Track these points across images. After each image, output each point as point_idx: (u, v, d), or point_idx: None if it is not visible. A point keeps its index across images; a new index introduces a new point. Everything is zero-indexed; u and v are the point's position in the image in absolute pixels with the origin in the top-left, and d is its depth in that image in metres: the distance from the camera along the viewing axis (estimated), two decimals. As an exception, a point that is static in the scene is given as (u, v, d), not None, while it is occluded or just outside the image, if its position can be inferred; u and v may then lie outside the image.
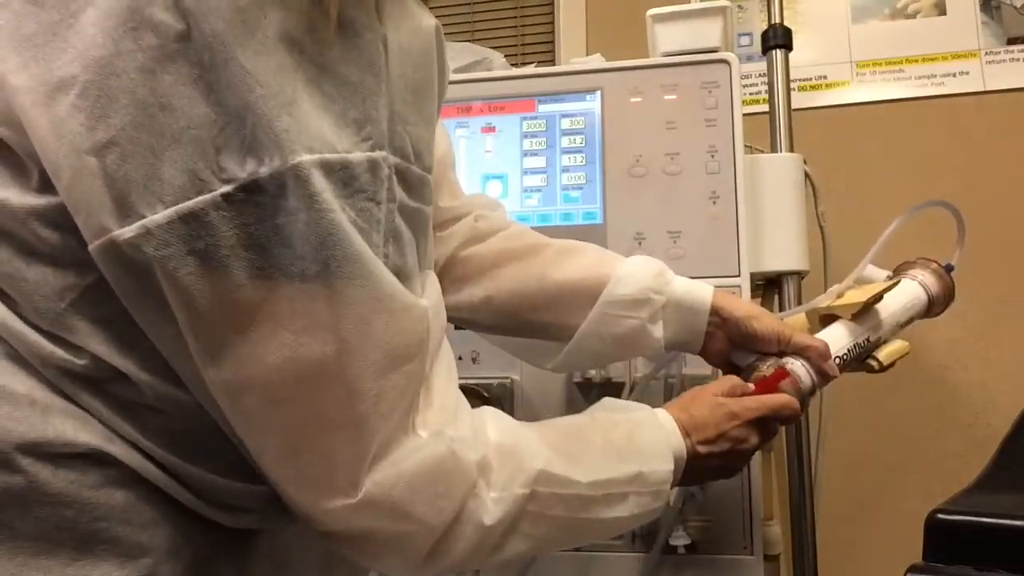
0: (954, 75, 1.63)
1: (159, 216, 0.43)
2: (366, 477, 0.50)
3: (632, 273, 0.80)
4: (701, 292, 0.80)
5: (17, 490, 0.45)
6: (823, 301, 0.84)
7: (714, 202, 1.04)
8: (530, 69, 1.16)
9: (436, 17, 0.56)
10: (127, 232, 0.43)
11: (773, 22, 1.22)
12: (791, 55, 1.22)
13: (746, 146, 1.07)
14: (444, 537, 0.54)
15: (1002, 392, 1.52)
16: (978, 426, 1.52)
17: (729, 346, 0.81)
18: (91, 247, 0.45)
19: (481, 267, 0.81)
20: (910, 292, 0.86)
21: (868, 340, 0.82)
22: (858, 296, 0.81)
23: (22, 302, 0.48)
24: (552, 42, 1.91)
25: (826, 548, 1.08)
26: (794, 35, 1.23)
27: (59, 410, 0.48)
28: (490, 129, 1.12)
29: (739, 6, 1.75)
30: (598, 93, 1.10)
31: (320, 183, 0.45)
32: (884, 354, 0.83)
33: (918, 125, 1.63)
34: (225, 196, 0.44)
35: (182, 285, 0.44)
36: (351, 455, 0.49)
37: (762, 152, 1.18)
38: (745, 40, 1.76)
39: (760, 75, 1.61)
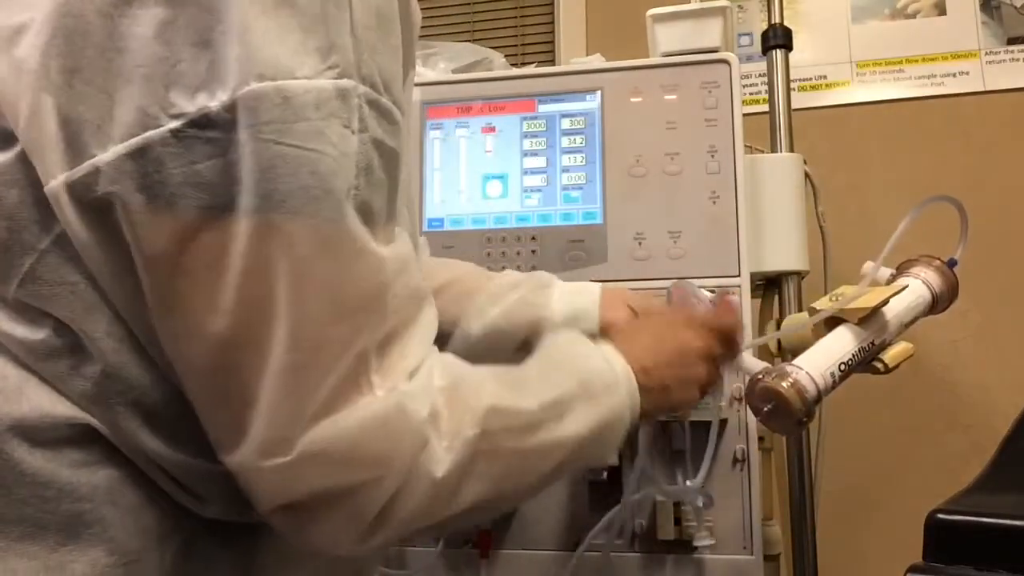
0: (954, 75, 1.63)
1: (108, 154, 0.43)
2: (303, 433, 0.46)
3: (510, 276, 0.83)
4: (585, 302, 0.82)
5: None
6: (832, 305, 0.83)
7: (714, 202, 1.04)
8: (530, 69, 1.16)
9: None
10: (78, 171, 0.43)
11: (773, 22, 1.22)
12: (791, 55, 1.22)
13: (746, 146, 1.07)
14: (393, 498, 0.49)
15: (1002, 392, 1.52)
16: (978, 426, 1.52)
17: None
18: (46, 188, 0.45)
19: None
20: (914, 291, 0.86)
21: (873, 343, 0.82)
22: (865, 301, 0.81)
23: None
24: (552, 42, 1.91)
25: (826, 548, 1.08)
26: (794, 35, 1.23)
27: (35, 385, 0.47)
28: (490, 129, 1.12)
29: (739, 6, 1.75)
30: (598, 93, 1.10)
31: (270, 112, 0.43)
32: (890, 356, 0.83)
33: (918, 125, 1.63)
34: (174, 132, 0.43)
35: (132, 223, 0.44)
36: (288, 408, 0.46)
37: (762, 152, 1.18)
38: (745, 40, 1.76)
39: (760, 75, 1.61)
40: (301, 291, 0.45)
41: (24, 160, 0.46)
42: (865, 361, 0.82)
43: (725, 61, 1.08)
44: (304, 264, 0.45)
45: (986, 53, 1.62)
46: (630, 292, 0.86)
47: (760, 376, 0.78)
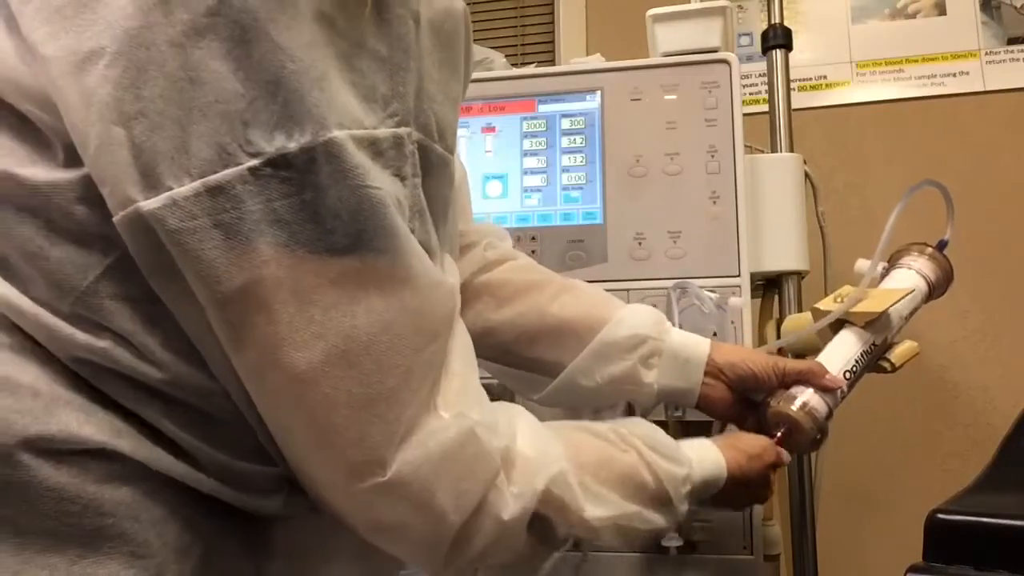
0: (954, 75, 1.63)
1: (185, 188, 0.43)
2: (396, 455, 0.49)
3: (630, 317, 0.80)
4: (697, 344, 0.80)
5: (19, 485, 0.45)
6: (835, 308, 0.83)
7: (714, 202, 1.04)
8: (530, 69, 1.16)
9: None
10: (153, 203, 0.43)
11: (773, 22, 1.22)
12: (791, 55, 1.22)
13: (746, 146, 1.07)
14: (465, 527, 0.53)
15: (1002, 392, 1.52)
16: (978, 426, 1.52)
17: (731, 395, 0.80)
18: (116, 218, 0.45)
19: (485, 296, 0.82)
20: (910, 284, 0.85)
21: (875, 345, 0.82)
22: (872, 305, 0.81)
23: (41, 282, 0.47)
24: (552, 42, 1.91)
25: (826, 548, 1.08)
26: (794, 35, 1.23)
27: (64, 402, 0.47)
28: (490, 129, 1.12)
29: (739, 6, 1.75)
30: (598, 93, 1.10)
31: (352, 158, 0.45)
32: (896, 355, 0.83)
33: (918, 125, 1.63)
34: (252, 170, 0.43)
35: (206, 260, 0.44)
36: (381, 433, 0.49)
37: (762, 152, 1.18)
38: (745, 40, 1.76)
39: (760, 75, 1.61)
40: (394, 322, 0.48)
41: (91, 179, 0.46)
42: (871, 364, 0.82)
43: (725, 61, 1.08)
44: (394, 297, 0.48)
45: (986, 53, 1.62)
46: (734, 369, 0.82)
47: (768, 402, 0.78)
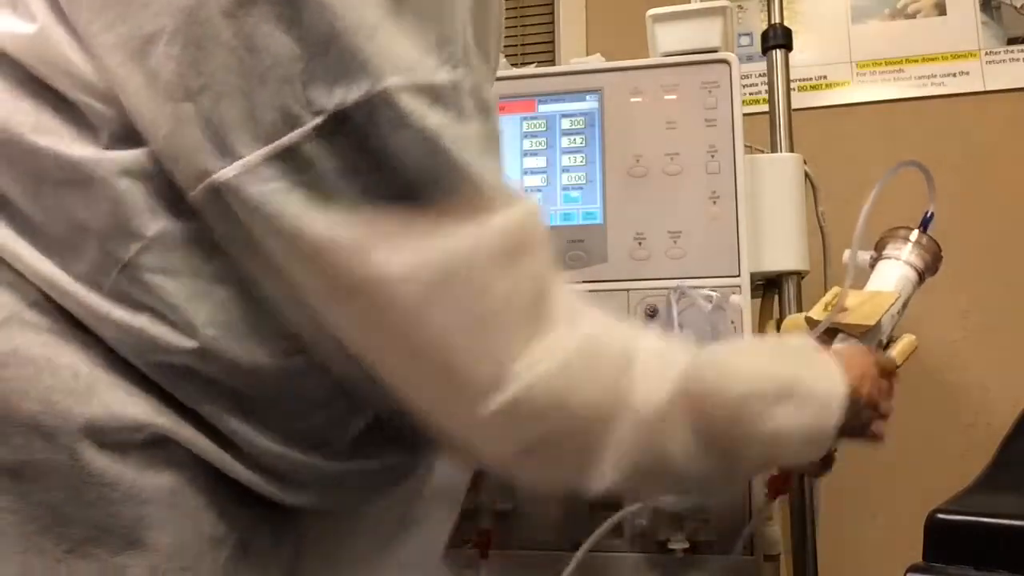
0: (954, 75, 1.63)
1: (258, 154, 0.44)
2: (519, 371, 0.49)
3: None
4: None
5: (64, 470, 0.45)
6: (828, 316, 0.83)
7: (714, 202, 1.04)
8: (530, 69, 1.16)
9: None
10: (229, 171, 0.44)
11: (773, 22, 1.22)
12: (791, 55, 1.22)
13: (746, 146, 1.07)
14: (605, 432, 0.52)
15: (1002, 392, 1.52)
16: (978, 426, 1.52)
17: None
18: (193, 193, 0.45)
19: None
20: (899, 281, 0.84)
21: (880, 344, 0.82)
22: (864, 316, 0.80)
23: (83, 257, 0.47)
24: (552, 42, 1.91)
25: (826, 548, 1.08)
26: (794, 35, 1.23)
27: (105, 384, 0.47)
28: (490, 129, 1.12)
29: (739, 6, 1.75)
30: (598, 93, 1.10)
31: (411, 103, 0.45)
32: (897, 352, 0.83)
33: (918, 125, 1.63)
34: (317, 128, 0.44)
35: (289, 221, 0.45)
36: (496, 351, 0.49)
37: (762, 152, 1.18)
38: (745, 40, 1.76)
39: (760, 75, 1.61)
40: (487, 244, 0.48)
41: (137, 152, 0.46)
42: None
43: (725, 61, 1.08)
44: (478, 223, 0.48)
45: (986, 53, 1.62)
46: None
47: None
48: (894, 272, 0.84)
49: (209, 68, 0.44)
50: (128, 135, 0.47)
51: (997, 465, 0.76)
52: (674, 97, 1.08)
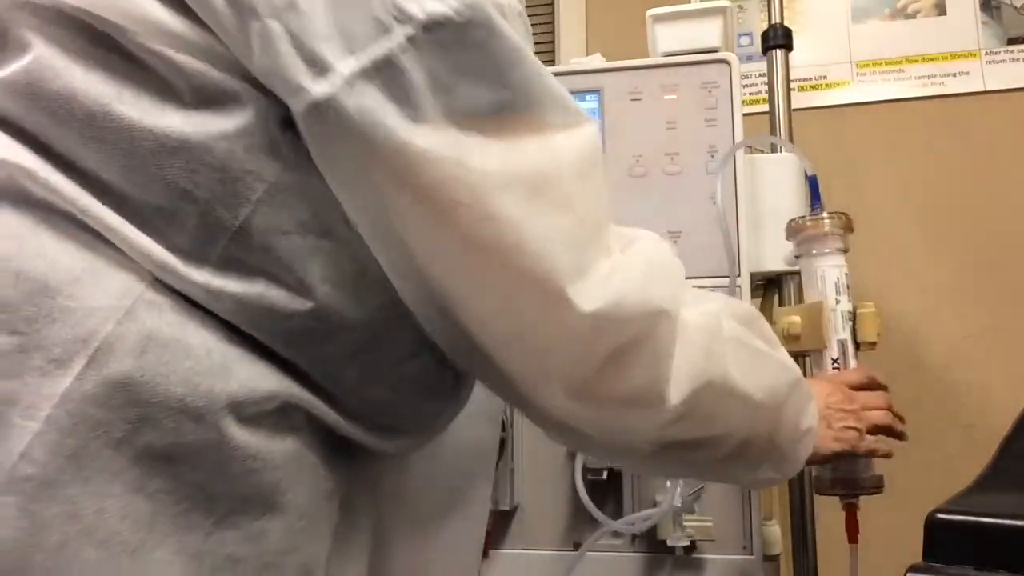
0: (954, 75, 1.63)
1: (350, 67, 0.44)
2: (606, 273, 0.51)
3: None
4: None
5: (212, 448, 0.45)
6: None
7: (714, 202, 1.04)
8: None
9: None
10: (322, 87, 0.44)
11: (773, 22, 1.22)
12: (791, 55, 1.22)
13: (746, 146, 1.07)
14: (675, 331, 0.55)
15: (1002, 392, 1.52)
16: (978, 426, 1.52)
17: None
18: (294, 112, 0.45)
19: None
20: (833, 270, 0.87)
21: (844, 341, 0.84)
22: (814, 341, 0.85)
23: (188, 230, 0.46)
24: (552, 42, 1.91)
25: (826, 548, 1.08)
26: (794, 35, 1.23)
27: (235, 358, 0.47)
28: (490, 129, 1.12)
29: (739, 6, 1.75)
30: (598, 93, 1.10)
31: (496, 14, 0.46)
32: (865, 332, 0.85)
33: (918, 125, 1.63)
34: (409, 38, 0.44)
35: (383, 134, 0.44)
36: (589, 257, 0.50)
37: (762, 152, 1.18)
38: (745, 40, 1.76)
39: (760, 75, 1.61)
40: (567, 156, 0.50)
41: (230, 112, 0.46)
42: (855, 354, 0.84)
43: (725, 61, 1.08)
44: (561, 134, 0.50)
45: (986, 53, 1.62)
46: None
47: None
48: (815, 271, 0.88)
49: None
50: (215, 94, 0.46)
51: (997, 465, 0.76)
52: (674, 97, 1.08)
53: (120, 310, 0.44)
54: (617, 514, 0.99)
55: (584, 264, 0.50)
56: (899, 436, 0.83)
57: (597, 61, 1.15)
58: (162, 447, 0.44)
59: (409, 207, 0.47)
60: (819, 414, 0.72)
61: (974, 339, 1.55)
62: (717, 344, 0.59)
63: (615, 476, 1.00)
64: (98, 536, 0.41)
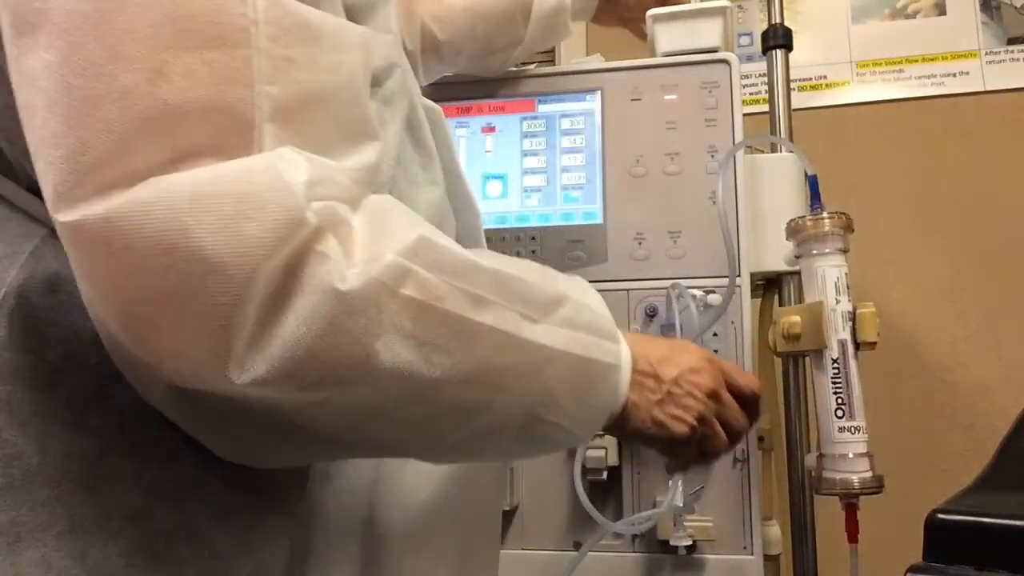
0: (954, 75, 1.63)
1: None
2: (149, 174, 0.37)
3: None
4: None
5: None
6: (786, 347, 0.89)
7: (714, 202, 1.04)
8: (530, 69, 1.16)
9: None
10: None
11: (773, 22, 1.22)
12: (791, 55, 1.22)
13: (746, 146, 1.07)
14: (274, 307, 0.38)
15: (1002, 392, 1.52)
16: (978, 426, 1.52)
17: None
18: None
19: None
20: (833, 271, 0.87)
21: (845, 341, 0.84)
22: (814, 341, 0.85)
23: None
24: (552, 42, 1.91)
25: (826, 548, 1.08)
26: (794, 35, 1.22)
27: None
28: (490, 129, 1.12)
29: (739, 6, 1.75)
30: (598, 93, 1.10)
31: None
32: (865, 332, 0.85)
33: (918, 125, 1.63)
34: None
35: None
36: (106, 141, 0.36)
37: (762, 152, 1.18)
38: (745, 40, 1.76)
39: (760, 75, 1.61)
40: (132, 3, 0.37)
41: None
42: (855, 355, 0.84)
43: (725, 61, 1.08)
44: None
45: (986, 53, 1.62)
46: None
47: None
48: (815, 271, 0.88)
49: None
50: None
51: (997, 465, 0.76)
52: (674, 97, 1.08)
53: (22, 255, 0.44)
54: (617, 514, 0.99)
55: (104, 155, 0.37)
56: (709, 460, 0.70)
57: (597, 61, 1.15)
58: (94, 383, 0.43)
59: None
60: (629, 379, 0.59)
61: (974, 339, 1.55)
62: (358, 321, 0.40)
63: (615, 476, 1.00)
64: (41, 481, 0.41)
